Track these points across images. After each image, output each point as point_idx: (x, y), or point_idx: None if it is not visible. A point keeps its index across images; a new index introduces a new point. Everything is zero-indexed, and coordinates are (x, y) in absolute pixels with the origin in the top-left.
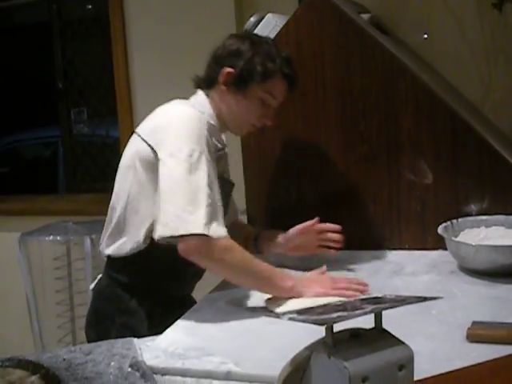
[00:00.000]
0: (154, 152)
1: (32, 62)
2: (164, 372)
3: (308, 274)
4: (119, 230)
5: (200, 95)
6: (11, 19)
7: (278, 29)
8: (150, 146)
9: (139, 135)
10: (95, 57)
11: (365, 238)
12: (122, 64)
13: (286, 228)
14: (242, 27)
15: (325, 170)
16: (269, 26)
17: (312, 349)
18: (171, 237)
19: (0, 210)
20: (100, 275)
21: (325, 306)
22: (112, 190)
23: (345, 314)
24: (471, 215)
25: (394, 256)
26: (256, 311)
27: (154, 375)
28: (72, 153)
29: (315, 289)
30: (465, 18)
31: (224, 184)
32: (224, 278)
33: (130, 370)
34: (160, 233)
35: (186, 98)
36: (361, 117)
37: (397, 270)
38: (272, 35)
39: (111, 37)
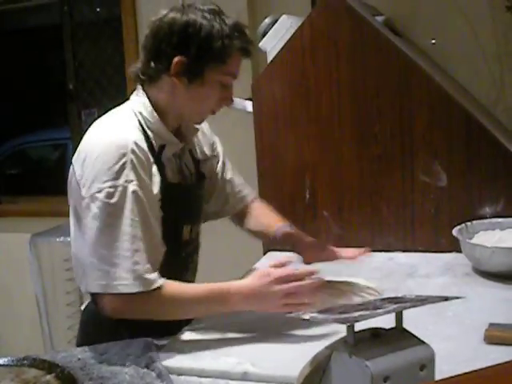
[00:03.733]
0: (80, 188)
1: (43, 63)
2: (180, 372)
3: (251, 279)
4: (79, 276)
5: (139, 92)
6: (23, 21)
7: (293, 30)
8: (76, 180)
9: (72, 163)
10: (106, 58)
11: (378, 239)
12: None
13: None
14: (254, 29)
15: (338, 171)
16: (283, 27)
17: (333, 348)
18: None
19: (11, 212)
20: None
21: (345, 305)
22: None
23: (367, 312)
24: (485, 218)
25: (408, 258)
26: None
27: (170, 375)
28: None
29: (255, 306)
30: (478, 21)
31: (185, 189)
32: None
33: (145, 370)
34: (89, 289)
35: None
36: (375, 118)
37: (410, 273)
38: (287, 37)
39: (123, 37)
